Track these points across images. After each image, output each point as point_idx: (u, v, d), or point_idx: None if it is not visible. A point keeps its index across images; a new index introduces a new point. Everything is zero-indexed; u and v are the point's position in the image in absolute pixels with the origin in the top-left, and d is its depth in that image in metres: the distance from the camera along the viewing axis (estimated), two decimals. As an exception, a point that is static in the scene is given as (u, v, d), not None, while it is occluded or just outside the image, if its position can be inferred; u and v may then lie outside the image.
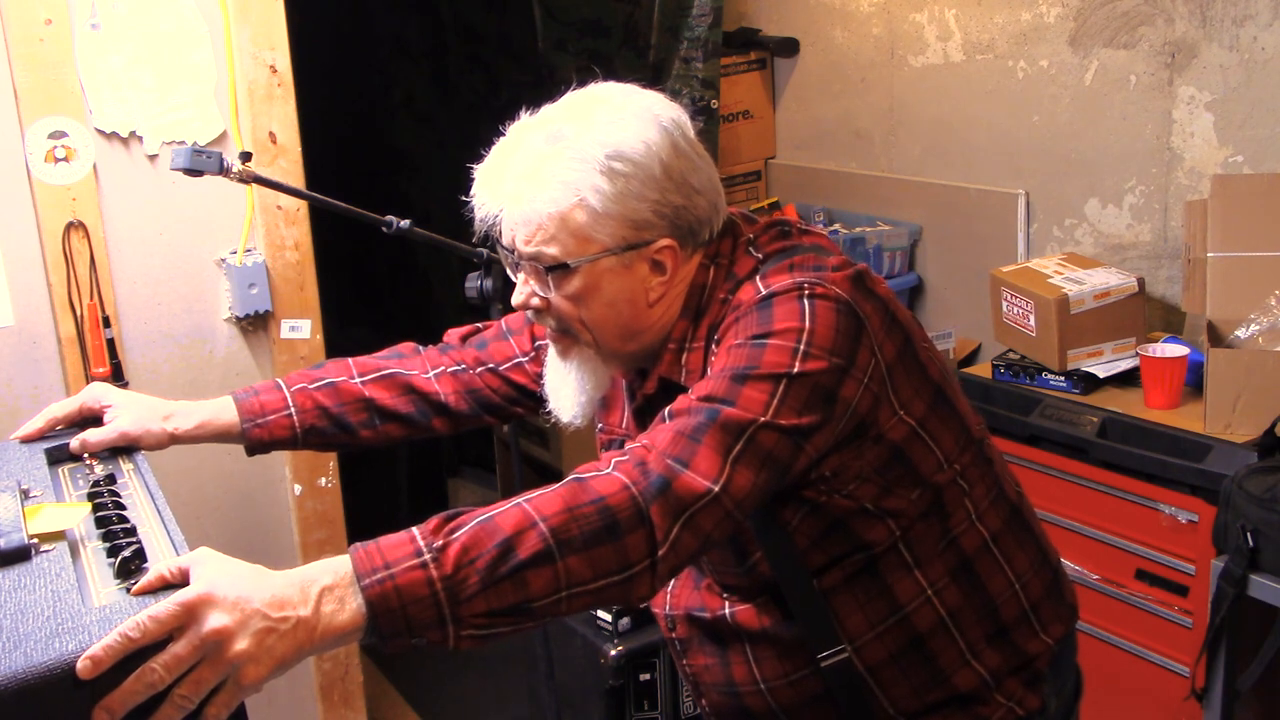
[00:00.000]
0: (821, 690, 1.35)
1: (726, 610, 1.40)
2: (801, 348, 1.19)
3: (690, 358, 1.32)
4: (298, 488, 2.57)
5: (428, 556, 1.03)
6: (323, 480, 2.60)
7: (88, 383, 2.28)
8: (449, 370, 1.61)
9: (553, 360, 1.40)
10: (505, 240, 1.32)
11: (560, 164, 1.25)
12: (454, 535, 1.05)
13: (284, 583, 1.02)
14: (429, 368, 1.62)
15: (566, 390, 1.38)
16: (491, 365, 1.60)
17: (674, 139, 1.28)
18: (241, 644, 0.98)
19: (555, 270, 1.28)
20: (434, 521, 1.07)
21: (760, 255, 1.32)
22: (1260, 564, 1.98)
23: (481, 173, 1.31)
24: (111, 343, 2.30)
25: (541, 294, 1.31)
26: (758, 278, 1.28)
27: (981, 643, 1.35)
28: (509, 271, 1.36)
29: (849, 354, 1.21)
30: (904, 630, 1.33)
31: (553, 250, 1.27)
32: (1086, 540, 2.43)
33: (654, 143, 1.26)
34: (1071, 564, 2.47)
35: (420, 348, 1.65)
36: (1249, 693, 2.08)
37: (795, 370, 1.18)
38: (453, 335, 1.67)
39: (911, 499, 1.30)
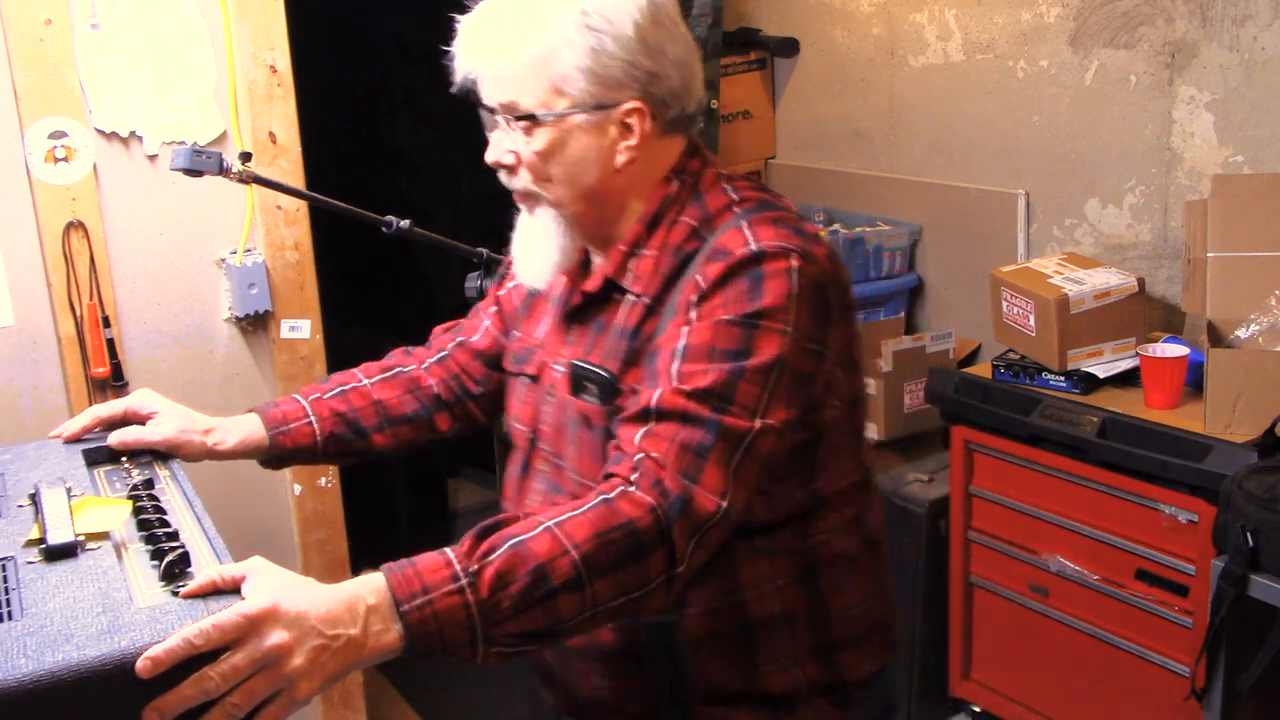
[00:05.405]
0: (639, 641, 1.35)
1: None
2: (790, 333, 1.21)
3: (640, 264, 1.33)
4: (298, 488, 2.57)
5: (464, 581, 1.07)
6: (323, 480, 2.60)
7: (88, 383, 2.29)
8: (435, 360, 1.65)
9: (521, 223, 1.40)
10: (483, 96, 1.33)
11: (537, 17, 1.27)
12: (489, 558, 1.09)
13: (334, 599, 1.05)
14: (421, 361, 1.66)
15: (533, 247, 1.38)
16: (462, 339, 1.64)
17: (656, 8, 1.30)
18: (298, 660, 1.02)
19: (524, 120, 1.29)
20: (466, 543, 1.11)
21: (736, 196, 1.33)
22: (1260, 564, 1.98)
23: (462, 26, 1.33)
24: (111, 343, 2.30)
25: (512, 147, 1.32)
26: (744, 225, 1.27)
27: (806, 652, 1.35)
28: (485, 131, 1.37)
29: (825, 339, 1.25)
30: (737, 613, 1.33)
31: (525, 102, 1.29)
32: (1086, 540, 2.43)
33: (635, 5, 1.28)
34: (1071, 564, 2.47)
35: (410, 349, 1.69)
36: (1249, 693, 2.08)
37: (785, 360, 1.21)
38: (437, 331, 1.71)
39: (796, 499, 1.31)
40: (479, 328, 1.64)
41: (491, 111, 1.32)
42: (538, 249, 1.37)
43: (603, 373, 1.31)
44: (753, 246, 1.23)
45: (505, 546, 1.10)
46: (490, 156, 1.35)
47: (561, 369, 1.38)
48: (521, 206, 1.39)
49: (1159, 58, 2.68)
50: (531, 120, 1.29)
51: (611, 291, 1.34)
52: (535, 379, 1.44)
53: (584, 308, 1.37)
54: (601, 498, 1.15)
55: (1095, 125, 2.85)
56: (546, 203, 1.34)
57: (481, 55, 1.31)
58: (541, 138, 1.29)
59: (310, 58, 2.77)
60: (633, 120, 1.29)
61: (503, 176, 1.37)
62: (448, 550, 1.10)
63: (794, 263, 1.22)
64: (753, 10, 3.78)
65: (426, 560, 1.09)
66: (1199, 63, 2.61)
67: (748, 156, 3.79)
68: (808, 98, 3.69)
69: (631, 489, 1.15)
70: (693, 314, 1.23)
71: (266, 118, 2.40)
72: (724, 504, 1.17)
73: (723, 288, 1.23)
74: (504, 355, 1.56)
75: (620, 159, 1.31)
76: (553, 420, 1.40)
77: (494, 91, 1.31)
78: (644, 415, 1.20)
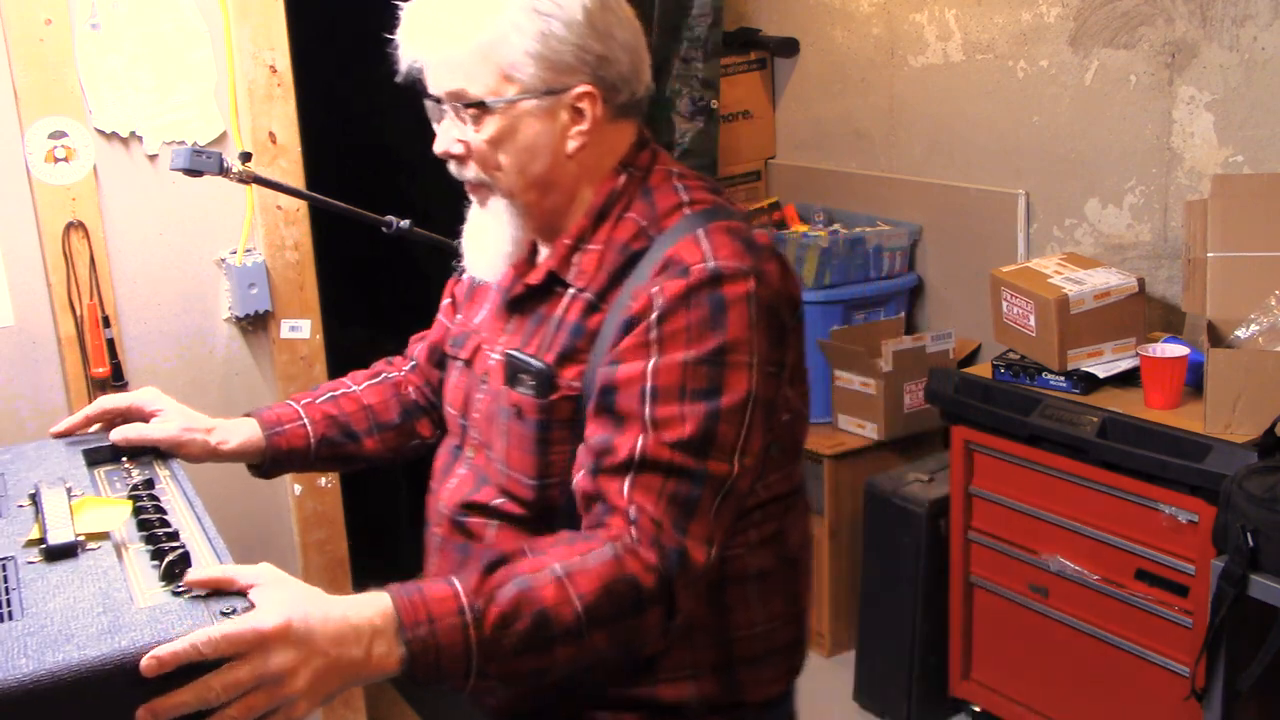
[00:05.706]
0: None
1: (490, 533, 1.37)
2: (755, 363, 1.20)
3: (584, 259, 1.31)
4: (298, 488, 2.57)
5: (469, 617, 1.09)
6: (323, 481, 2.60)
7: (88, 383, 2.29)
8: (409, 368, 1.66)
9: (472, 215, 1.39)
10: (430, 85, 1.31)
11: (484, 2, 1.25)
12: (494, 597, 1.10)
13: (341, 618, 1.06)
14: (400, 369, 1.67)
15: (484, 240, 1.36)
16: (425, 344, 1.64)
17: None
18: (301, 680, 1.02)
19: (473, 108, 1.27)
20: (474, 578, 1.11)
21: (687, 197, 1.30)
22: (1260, 564, 1.98)
23: (406, 12, 1.31)
24: (111, 343, 2.30)
25: (461, 137, 1.30)
26: (701, 236, 1.23)
27: (705, 666, 1.33)
28: (433, 123, 1.35)
29: (782, 360, 1.25)
30: None
31: (473, 89, 1.27)
32: (1086, 540, 2.43)
33: None
34: (1071, 564, 2.47)
35: (391, 359, 1.70)
36: (1249, 693, 2.08)
37: (755, 393, 1.20)
38: (412, 340, 1.70)
39: None
40: (436, 327, 1.63)
41: (438, 101, 1.31)
42: (489, 241, 1.35)
43: (539, 364, 1.29)
44: (710, 265, 1.20)
45: (512, 585, 1.11)
46: (439, 148, 1.33)
47: (497, 357, 1.36)
48: (472, 198, 1.37)
49: (1159, 58, 2.68)
50: (481, 108, 1.27)
51: (554, 285, 1.33)
52: (468, 364, 1.43)
53: (525, 299, 1.36)
54: (611, 550, 1.15)
55: (1095, 125, 2.85)
56: (498, 193, 1.32)
57: (427, 43, 1.29)
58: (491, 126, 1.27)
59: (310, 58, 2.77)
60: (584, 105, 1.27)
61: (452, 168, 1.35)
62: (455, 581, 1.11)
63: (751, 286, 1.20)
64: (753, 10, 3.78)
65: (434, 588, 1.10)
66: (1199, 63, 2.61)
67: (748, 156, 3.79)
68: (808, 98, 3.69)
69: (635, 545, 1.16)
70: (652, 334, 1.20)
71: (266, 118, 2.40)
72: (712, 551, 1.19)
73: (685, 309, 1.20)
74: (444, 340, 1.55)
75: (572, 144, 1.29)
76: (484, 409, 1.38)
77: (441, 80, 1.29)
78: (626, 467, 1.19)
